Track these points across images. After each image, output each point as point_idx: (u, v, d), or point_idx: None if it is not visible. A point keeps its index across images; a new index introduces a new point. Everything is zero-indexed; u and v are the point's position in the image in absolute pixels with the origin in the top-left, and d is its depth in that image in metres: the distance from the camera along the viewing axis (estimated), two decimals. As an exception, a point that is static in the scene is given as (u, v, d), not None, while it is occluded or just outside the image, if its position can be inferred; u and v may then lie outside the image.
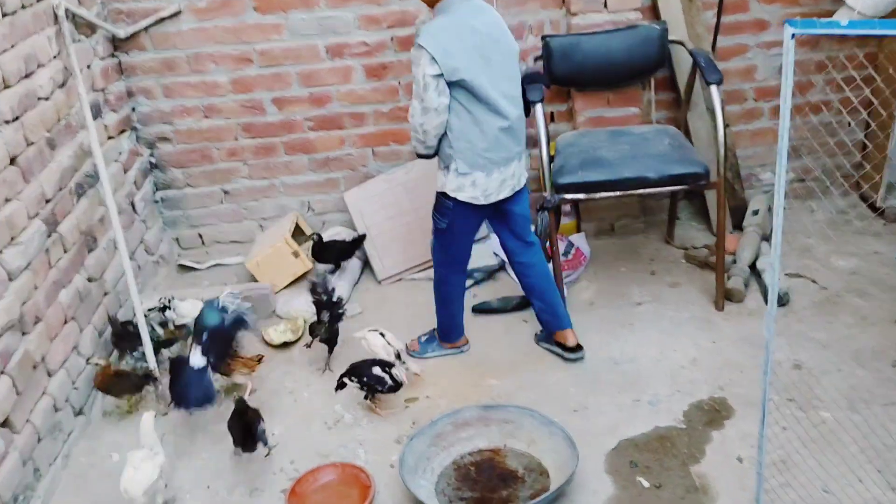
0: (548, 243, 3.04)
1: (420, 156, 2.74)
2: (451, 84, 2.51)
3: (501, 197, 2.73)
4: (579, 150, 3.13)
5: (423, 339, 3.14)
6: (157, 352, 3.05)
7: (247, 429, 2.53)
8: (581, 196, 3.01)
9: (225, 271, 3.86)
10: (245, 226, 3.90)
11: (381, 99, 3.66)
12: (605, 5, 3.38)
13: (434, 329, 3.13)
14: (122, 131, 3.52)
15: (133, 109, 3.63)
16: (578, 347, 2.96)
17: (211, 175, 3.79)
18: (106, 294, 3.17)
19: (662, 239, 3.71)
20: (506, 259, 3.18)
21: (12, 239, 2.52)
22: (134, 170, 3.59)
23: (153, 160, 3.74)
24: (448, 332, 3.10)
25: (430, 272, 3.60)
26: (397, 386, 2.74)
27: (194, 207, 3.85)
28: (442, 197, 2.76)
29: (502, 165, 2.67)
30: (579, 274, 3.48)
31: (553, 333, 3.00)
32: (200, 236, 3.92)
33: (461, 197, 2.68)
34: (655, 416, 2.66)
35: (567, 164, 3.06)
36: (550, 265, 3.10)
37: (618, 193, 2.99)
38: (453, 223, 2.79)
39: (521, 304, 3.30)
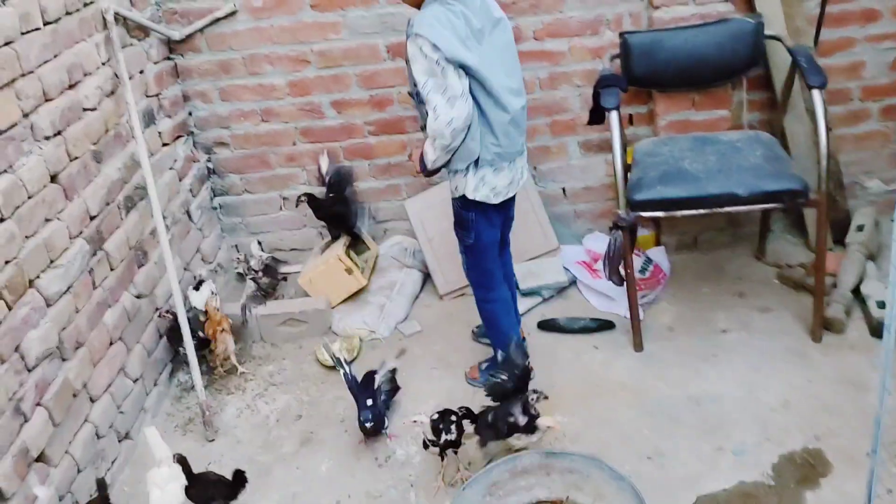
0: (621, 266, 2.76)
1: (432, 172, 2.50)
2: None
3: (510, 195, 2.59)
4: (659, 160, 2.82)
5: (484, 365, 2.91)
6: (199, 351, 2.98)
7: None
8: (659, 214, 2.70)
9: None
10: (305, 233, 3.75)
11: (445, 101, 3.41)
12: (691, 1, 3.04)
13: (492, 356, 2.89)
14: (178, 137, 3.40)
15: (189, 114, 3.50)
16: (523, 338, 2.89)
17: (269, 181, 3.64)
18: (157, 310, 3.06)
19: (752, 254, 3.36)
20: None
21: (51, 262, 2.41)
22: (190, 177, 3.47)
23: (210, 166, 3.62)
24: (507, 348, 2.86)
25: (496, 286, 3.40)
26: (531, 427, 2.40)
27: (253, 214, 3.72)
28: (462, 208, 2.58)
29: (509, 161, 2.51)
30: (657, 294, 3.18)
31: None
32: (260, 244, 3.77)
33: (478, 197, 2.51)
34: (740, 468, 2.36)
35: (645, 176, 2.76)
36: (623, 289, 2.82)
37: (702, 211, 2.67)
38: (480, 234, 2.62)
39: (590, 327, 3.03)
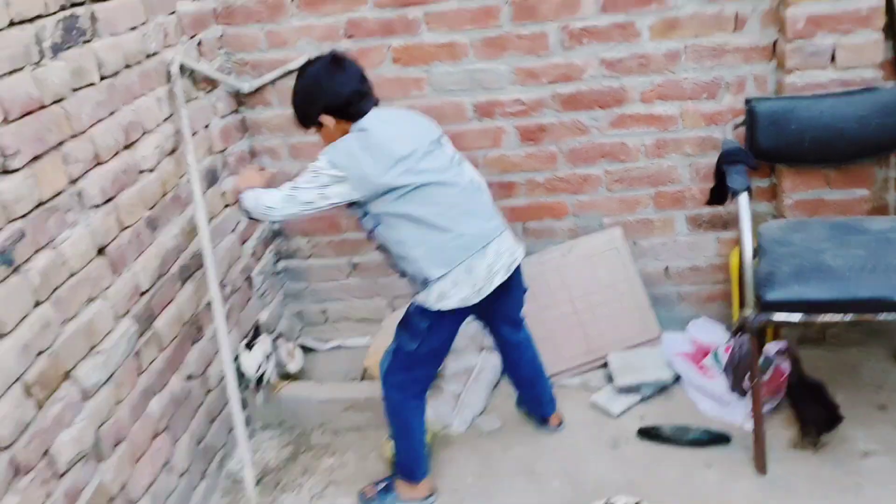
0: (746, 377, 2.33)
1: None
2: (379, 196, 2.20)
3: (496, 284, 2.28)
4: (793, 251, 2.40)
5: (382, 485, 2.58)
6: None
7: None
8: (796, 318, 2.27)
9: (348, 354, 3.39)
10: (375, 303, 3.42)
11: (537, 166, 3.06)
12: (833, 59, 2.62)
13: (390, 477, 2.58)
14: (243, 197, 3.12)
15: (256, 171, 3.22)
16: (560, 424, 2.78)
17: (338, 246, 3.32)
18: (209, 392, 2.75)
19: (892, 354, 2.88)
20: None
21: (92, 348, 2.11)
22: (253, 239, 3.18)
23: (276, 227, 3.33)
24: (411, 469, 2.52)
25: (587, 377, 3.02)
26: None
27: (319, 280, 3.41)
28: (416, 315, 2.30)
29: (477, 250, 2.23)
30: (780, 400, 2.72)
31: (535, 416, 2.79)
32: (324, 312, 3.47)
33: (448, 305, 2.22)
34: None
35: (777, 270, 2.33)
36: (747, 399, 2.39)
37: (849, 317, 2.23)
38: (426, 342, 2.32)
39: (702, 440, 2.60)
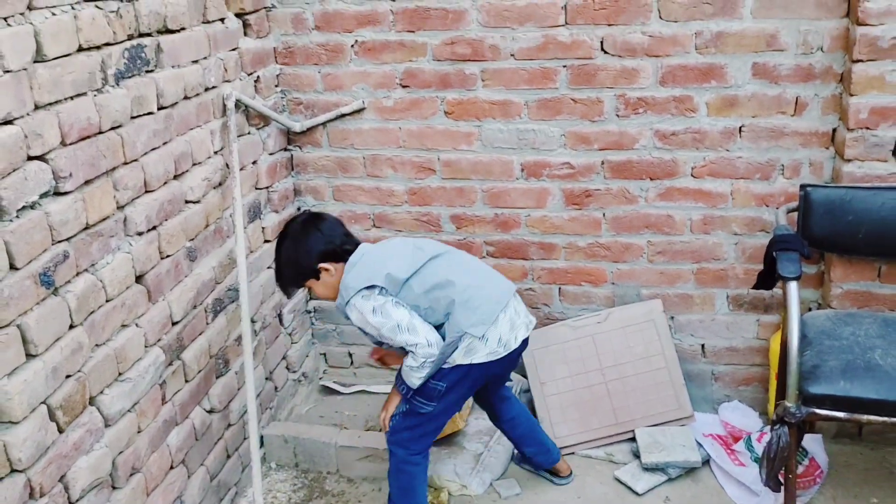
0: (783, 470, 2.25)
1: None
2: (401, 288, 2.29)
3: (520, 340, 2.36)
4: (842, 345, 2.33)
5: None
6: None
7: None
8: (840, 415, 2.19)
9: (370, 400, 3.35)
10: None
11: (579, 230, 3.03)
12: (895, 153, 2.57)
13: None
14: (282, 233, 3.12)
15: (298, 209, 3.23)
16: (570, 474, 2.80)
17: (371, 290, 3.30)
18: (229, 426, 2.72)
19: (933, 459, 2.78)
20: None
21: (119, 375, 2.09)
22: (288, 276, 3.17)
23: (311, 266, 3.32)
24: None
25: (612, 449, 2.94)
26: None
27: (347, 324, 3.36)
28: (432, 379, 2.30)
29: (499, 305, 2.31)
30: (812, 495, 2.62)
31: (546, 468, 2.79)
32: (350, 355, 3.43)
33: (476, 360, 2.28)
34: None
35: (823, 364, 2.26)
36: (780, 495, 2.30)
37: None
38: (442, 402, 2.35)
39: (731, 530, 2.50)
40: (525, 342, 2.41)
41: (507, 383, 2.75)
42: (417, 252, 2.37)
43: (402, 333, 2.23)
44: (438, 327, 2.31)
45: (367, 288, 2.26)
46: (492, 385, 2.59)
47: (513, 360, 2.41)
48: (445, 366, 2.30)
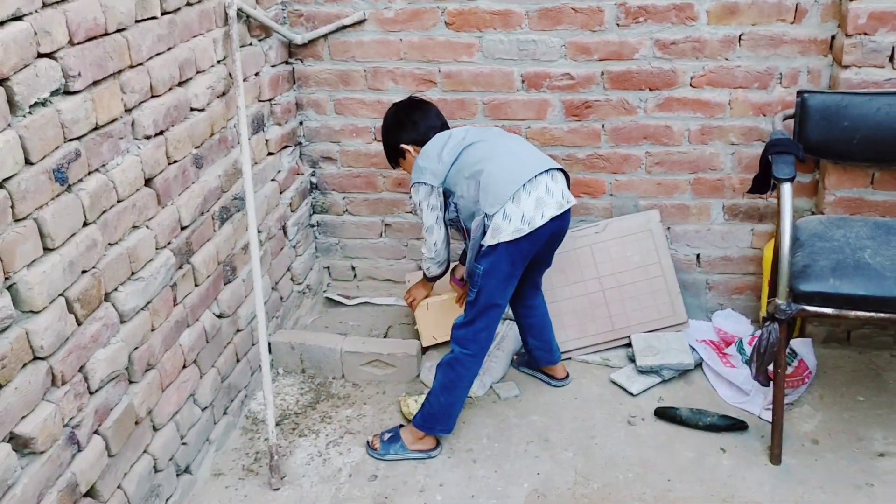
0: (771, 365, 2.34)
1: (435, 278, 2.83)
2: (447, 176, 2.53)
3: (548, 218, 2.38)
4: (832, 246, 2.40)
5: (387, 436, 2.64)
6: None
7: None
8: (829, 311, 2.27)
9: (374, 311, 3.44)
10: (403, 265, 3.45)
11: (579, 142, 3.07)
12: (892, 59, 2.59)
13: (400, 426, 2.68)
14: (285, 147, 3.16)
15: (300, 123, 3.26)
16: (566, 376, 2.92)
17: (373, 205, 3.36)
18: (238, 332, 2.81)
19: (919, 362, 2.88)
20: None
21: (132, 274, 2.16)
22: (291, 190, 3.22)
23: (314, 180, 3.37)
24: (439, 422, 2.57)
25: (608, 355, 3.04)
26: None
27: (351, 237, 3.44)
28: (476, 265, 2.44)
29: (526, 184, 2.38)
30: (800, 394, 2.73)
31: (542, 366, 2.92)
32: (353, 269, 3.51)
33: (503, 238, 2.35)
34: None
35: (814, 264, 2.33)
36: (769, 389, 2.40)
37: (882, 316, 2.23)
38: (484, 288, 2.43)
39: (718, 425, 2.61)
40: (561, 221, 2.46)
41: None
42: (461, 141, 2.54)
43: (424, 230, 2.61)
44: None
45: (417, 183, 2.55)
46: (532, 270, 2.64)
47: (547, 240, 2.47)
48: (483, 246, 2.40)
